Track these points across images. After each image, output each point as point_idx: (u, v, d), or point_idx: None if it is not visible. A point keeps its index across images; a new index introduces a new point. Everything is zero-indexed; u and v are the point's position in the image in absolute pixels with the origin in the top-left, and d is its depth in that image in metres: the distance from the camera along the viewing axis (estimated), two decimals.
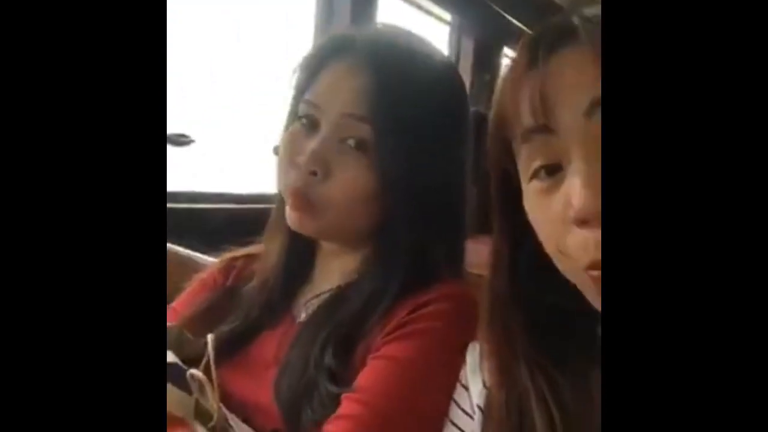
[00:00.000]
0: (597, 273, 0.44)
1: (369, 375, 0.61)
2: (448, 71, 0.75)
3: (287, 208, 0.69)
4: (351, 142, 0.66)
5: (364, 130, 0.65)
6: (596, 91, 0.42)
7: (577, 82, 0.44)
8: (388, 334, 0.63)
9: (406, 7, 2.36)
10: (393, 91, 0.65)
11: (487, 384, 0.56)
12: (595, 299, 0.47)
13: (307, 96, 0.69)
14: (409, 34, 0.73)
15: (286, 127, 0.72)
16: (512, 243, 0.53)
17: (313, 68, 0.70)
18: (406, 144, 0.66)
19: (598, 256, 0.43)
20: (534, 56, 0.46)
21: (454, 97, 0.73)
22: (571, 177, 0.44)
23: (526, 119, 0.46)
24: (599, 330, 0.52)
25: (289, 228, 0.70)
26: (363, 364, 0.63)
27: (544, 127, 0.45)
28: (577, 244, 0.44)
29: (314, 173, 0.65)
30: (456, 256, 0.74)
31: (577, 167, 0.43)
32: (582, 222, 0.43)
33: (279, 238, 0.77)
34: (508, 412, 0.52)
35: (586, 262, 0.44)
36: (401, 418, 0.59)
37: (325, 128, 0.66)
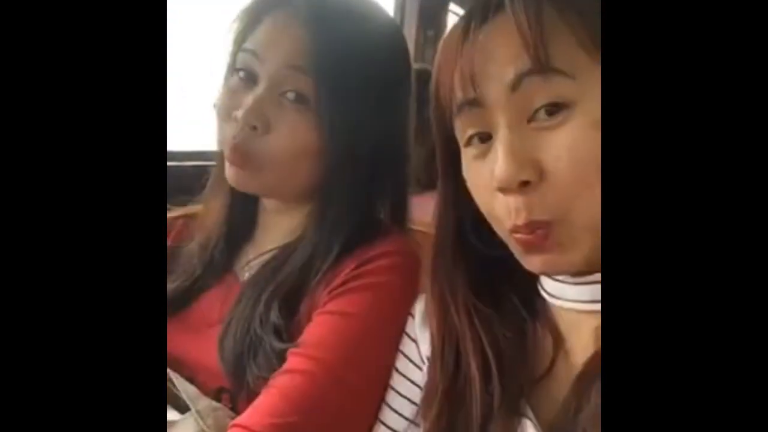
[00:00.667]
0: (518, 236, 0.47)
1: (315, 330, 0.61)
2: (390, 27, 0.74)
3: (227, 165, 0.67)
4: (290, 95, 0.64)
5: (305, 83, 0.64)
6: (521, 64, 0.45)
7: (503, 56, 0.46)
8: (333, 289, 0.63)
9: None
10: (335, 44, 0.64)
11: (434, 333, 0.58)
12: (521, 259, 0.50)
13: (246, 45, 0.67)
14: None
15: (225, 81, 0.69)
16: (455, 201, 0.55)
17: (252, 19, 0.68)
18: (348, 99, 0.65)
19: (518, 221, 0.46)
20: (467, 28, 0.48)
21: (396, 53, 0.72)
22: (496, 146, 0.46)
23: (458, 93, 0.48)
24: (539, 284, 0.55)
25: (230, 186, 0.69)
26: (308, 320, 0.63)
27: (474, 101, 0.47)
28: (502, 209, 0.47)
29: (254, 128, 0.64)
30: (400, 212, 0.75)
31: (502, 136, 0.46)
32: (503, 190, 0.46)
33: (220, 197, 0.75)
34: (443, 353, 0.54)
35: (509, 226, 0.47)
36: (347, 371, 0.59)
37: (264, 81, 0.65)
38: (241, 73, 0.67)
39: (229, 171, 0.67)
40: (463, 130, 0.50)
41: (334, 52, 0.64)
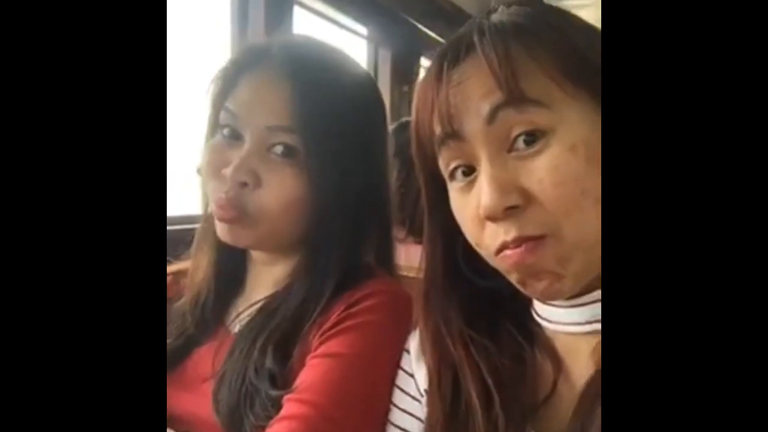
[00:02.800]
0: (507, 253, 0.48)
1: (308, 374, 0.61)
2: (364, 78, 0.76)
3: (217, 223, 0.68)
4: (278, 149, 0.66)
5: (291, 139, 0.65)
6: (494, 98, 0.47)
7: (477, 93, 0.48)
8: (324, 333, 0.64)
9: (321, 21, 2.37)
10: (317, 100, 0.66)
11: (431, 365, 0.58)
12: (511, 279, 0.50)
13: (227, 105, 0.68)
14: (322, 42, 0.74)
15: (207, 140, 0.70)
16: (444, 233, 0.56)
17: (230, 78, 0.69)
18: (334, 150, 0.67)
19: (508, 237, 0.47)
20: (440, 69, 0.50)
21: (372, 103, 0.75)
22: (480, 176, 0.48)
23: (438, 127, 0.50)
24: (533, 309, 0.56)
25: (218, 241, 0.70)
26: (302, 365, 0.63)
27: (453, 134, 0.49)
28: (490, 235, 0.49)
29: (244, 184, 0.65)
30: (386, 255, 0.77)
31: (484, 167, 0.48)
32: (491, 217, 0.47)
33: (207, 253, 0.76)
34: (441, 384, 0.55)
35: (496, 247, 0.48)
36: (344, 412, 0.59)
37: (249, 138, 0.66)
38: (226, 131, 0.68)
39: (221, 228, 0.67)
40: (446, 164, 0.52)
41: (318, 107, 0.66)
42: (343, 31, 2.51)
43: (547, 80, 0.47)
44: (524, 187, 0.46)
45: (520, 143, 0.47)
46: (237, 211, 0.65)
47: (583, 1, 1.56)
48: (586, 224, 0.46)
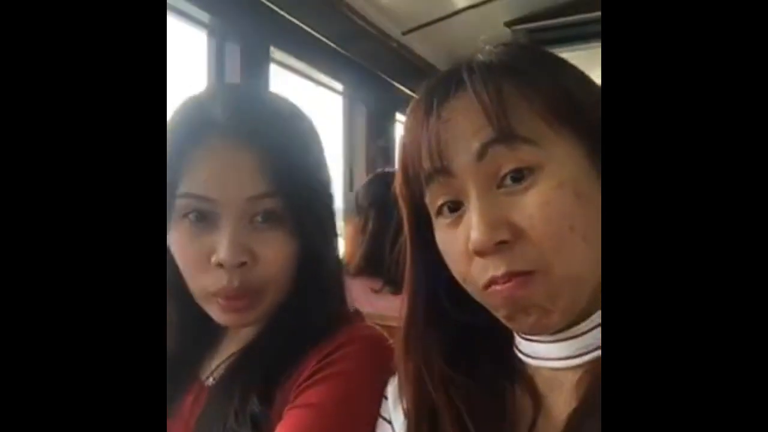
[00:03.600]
0: (496, 288, 0.48)
1: (287, 426, 0.60)
2: (307, 119, 0.72)
3: (217, 312, 0.65)
4: (259, 218, 0.64)
5: (273, 203, 0.64)
6: (484, 135, 0.47)
7: (467, 129, 0.48)
8: (302, 383, 0.62)
9: (296, 77, 2.40)
10: (285, 157, 0.64)
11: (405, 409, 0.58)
12: (499, 314, 0.50)
13: (187, 191, 0.63)
14: (257, 90, 0.72)
15: (169, 234, 0.65)
16: (427, 269, 0.55)
17: (174, 162, 0.62)
18: (312, 204, 0.66)
19: (497, 272, 0.47)
20: (429, 105, 0.50)
21: (319, 143, 0.72)
22: (469, 213, 0.48)
23: (426, 163, 0.50)
24: (514, 346, 0.56)
25: (183, 302, 0.67)
26: (280, 417, 0.61)
27: (443, 170, 0.49)
28: (478, 270, 0.49)
29: (243, 264, 0.63)
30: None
31: (474, 203, 0.48)
32: (480, 253, 0.47)
33: (175, 317, 0.71)
34: (419, 428, 0.54)
35: (484, 282, 0.48)
36: None
37: (228, 214, 0.62)
38: (191, 216, 0.63)
39: (227, 317, 0.65)
40: (433, 201, 0.51)
41: (289, 165, 0.64)
42: (320, 88, 2.55)
43: (536, 118, 0.47)
44: (514, 223, 0.47)
45: (509, 180, 0.47)
46: (245, 295, 0.63)
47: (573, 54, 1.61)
48: (574, 260, 0.46)
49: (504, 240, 0.46)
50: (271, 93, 0.73)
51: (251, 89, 0.73)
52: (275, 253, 0.64)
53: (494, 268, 0.47)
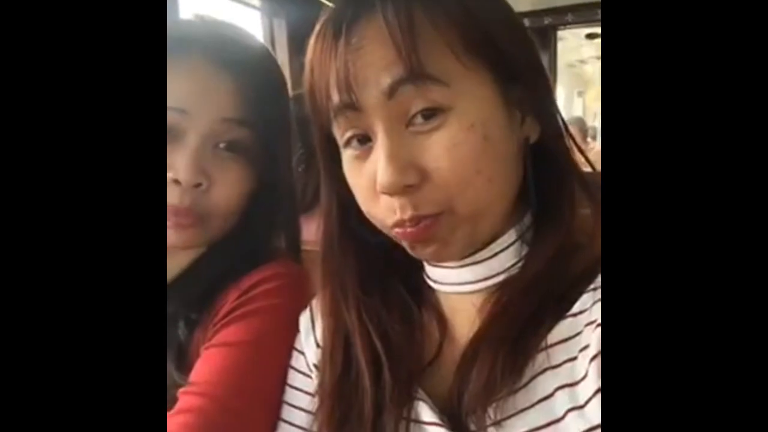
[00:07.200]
0: (402, 230, 0.48)
1: (202, 365, 0.60)
2: (275, 62, 0.74)
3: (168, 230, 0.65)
4: (222, 145, 0.64)
5: (239, 133, 0.64)
6: (395, 72, 0.45)
7: (377, 63, 0.46)
8: (218, 321, 0.63)
9: None
10: (259, 90, 0.65)
11: (319, 338, 0.60)
12: (410, 250, 0.51)
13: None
14: (236, 26, 0.71)
15: None
16: (339, 195, 0.56)
17: None
18: (279, 143, 0.68)
19: (404, 215, 0.47)
20: (338, 29, 0.47)
21: (285, 86, 0.74)
22: (376, 151, 0.48)
23: (335, 96, 0.48)
24: (424, 272, 0.58)
25: None
26: (198, 355, 0.62)
27: (351, 105, 0.48)
28: (384, 208, 0.49)
29: (198, 185, 0.63)
30: (293, 238, 0.77)
31: (382, 142, 0.47)
32: (386, 194, 0.47)
33: None
34: (333, 351, 0.56)
35: (391, 223, 0.49)
36: (242, 401, 0.58)
37: (194, 135, 0.63)
38: None
39: (174, 235, 0.63)
40: (341, 133, 0.51)
41: (263, 99, 0.65)
42: (235, 3, 2.45)
43: (446, 51, 0.46)
44: (421, 165, 0.46)
45: (419, 118, 0.46)
46: (194, 214, 0.64)
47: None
48: (478, 200, 0.47)
49: (411, 184, 0.46)
50: (239, 28, 0.72)
51: (233, 25, 0.72)
52: (231, 182, 0.64)
53: (401, 210, 0.47)
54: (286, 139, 0.71)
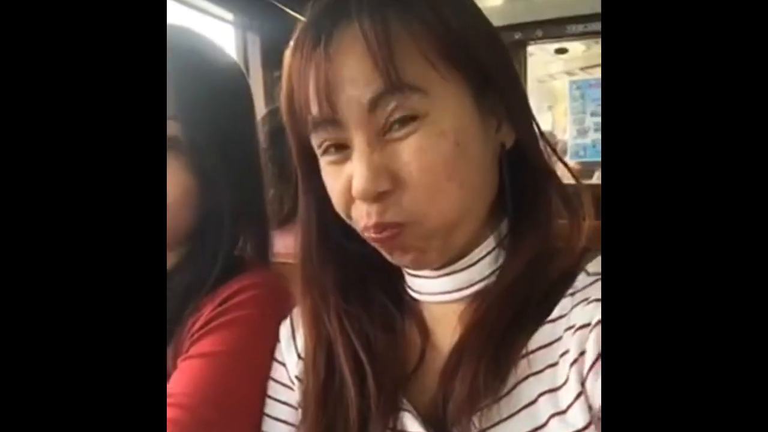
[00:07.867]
0: (368, 236, 0.49)
1: (179, 377, 0.59)
2: (234, 66, 0.74)
3: None
4: None
5: (174, 128, 0.63)
6: (375, 86, 0.45)
7: (356, 77, 0.46)
8: (195, 333, 0.62)
9: (185, 9, 2.29)
10: (194, 86, 0.65)
11: (300, 350, 0.59)
12: (388, 256, 0.51)
13: None
14: (191, 30, 0.71)
15: None
16: (317, 202, 0.55)
17: None
18: (215, 139, 0.65)
19: (369, 222, 0.48)
20: (316, 39, 0.47)
21: (244, 90, 0.74)
22: (354, 158, 0.47)
23: (315, 109, 0.48)
24: (404, 282, 0.58)
25: None
26: (174, 366, 0.61)
27: (332, 119, 0.48)
28: (359, 213, 0.49)
29: None
30: (263, 246, 0.76)
31: (360, 151, 0.47)
32: (360, 199, 0.48)
33: None
34: (315, 362, 0.55)
35: (362, 226, 0.49)
36: (219, 413, 0.57)
37: None
38: None
39: None
40: (319, 142, 0.51)
41: (198, 95, 0.65)
42: (209, 18, 2.45)
43: (423, 61, 0.46)
44: (394, 171, 0.47)
45: (395, 125, 0.47)
46: None
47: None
48: (448, 208, 0.47)
49: (384, 190, 0.46)
50: (198, 32, 0.72)
51: (180, 26, 0.71)
52: (170, 182, 0.62)
53: (368, 216, 0.48)
54: (231, 141, 0.69)
